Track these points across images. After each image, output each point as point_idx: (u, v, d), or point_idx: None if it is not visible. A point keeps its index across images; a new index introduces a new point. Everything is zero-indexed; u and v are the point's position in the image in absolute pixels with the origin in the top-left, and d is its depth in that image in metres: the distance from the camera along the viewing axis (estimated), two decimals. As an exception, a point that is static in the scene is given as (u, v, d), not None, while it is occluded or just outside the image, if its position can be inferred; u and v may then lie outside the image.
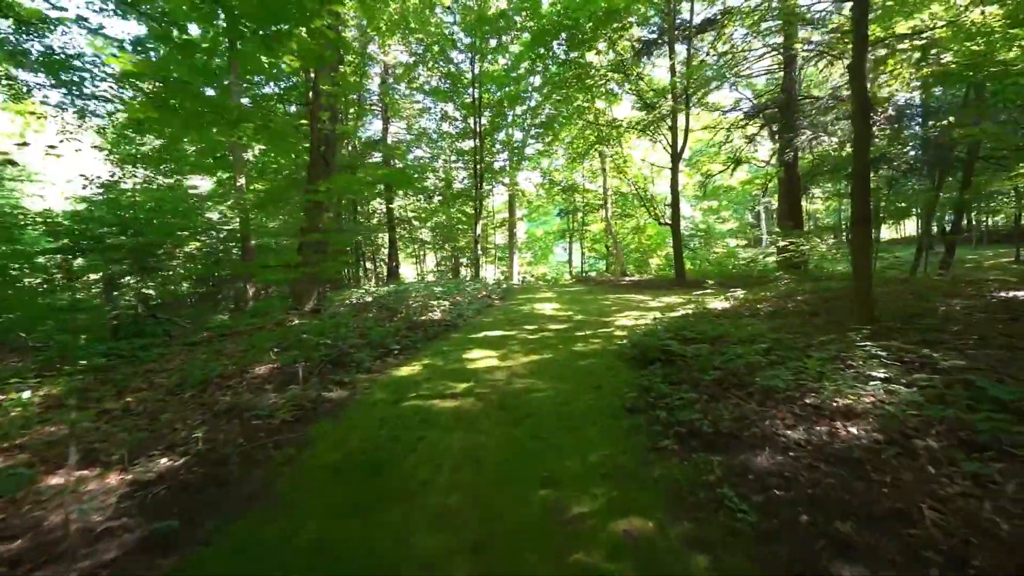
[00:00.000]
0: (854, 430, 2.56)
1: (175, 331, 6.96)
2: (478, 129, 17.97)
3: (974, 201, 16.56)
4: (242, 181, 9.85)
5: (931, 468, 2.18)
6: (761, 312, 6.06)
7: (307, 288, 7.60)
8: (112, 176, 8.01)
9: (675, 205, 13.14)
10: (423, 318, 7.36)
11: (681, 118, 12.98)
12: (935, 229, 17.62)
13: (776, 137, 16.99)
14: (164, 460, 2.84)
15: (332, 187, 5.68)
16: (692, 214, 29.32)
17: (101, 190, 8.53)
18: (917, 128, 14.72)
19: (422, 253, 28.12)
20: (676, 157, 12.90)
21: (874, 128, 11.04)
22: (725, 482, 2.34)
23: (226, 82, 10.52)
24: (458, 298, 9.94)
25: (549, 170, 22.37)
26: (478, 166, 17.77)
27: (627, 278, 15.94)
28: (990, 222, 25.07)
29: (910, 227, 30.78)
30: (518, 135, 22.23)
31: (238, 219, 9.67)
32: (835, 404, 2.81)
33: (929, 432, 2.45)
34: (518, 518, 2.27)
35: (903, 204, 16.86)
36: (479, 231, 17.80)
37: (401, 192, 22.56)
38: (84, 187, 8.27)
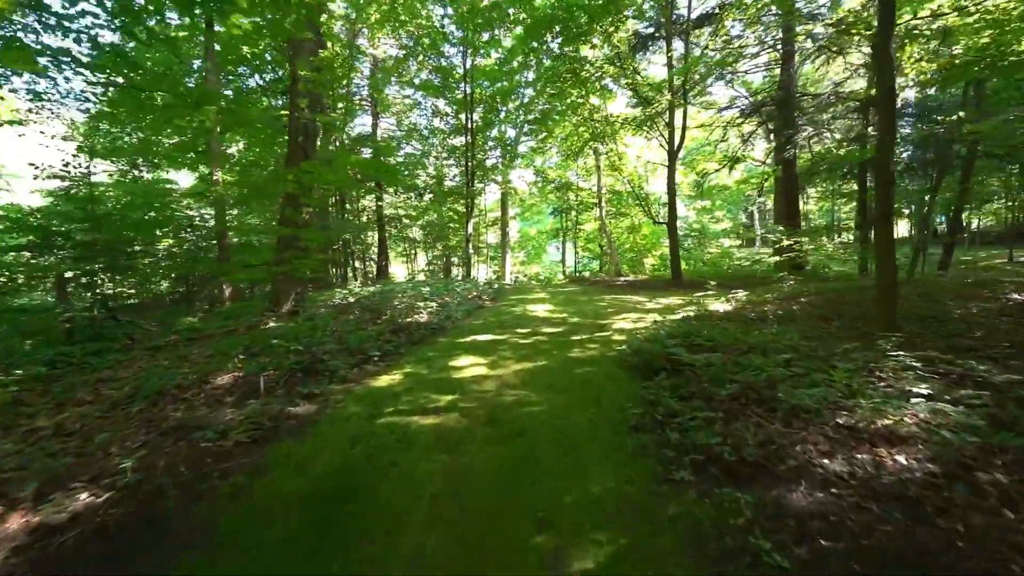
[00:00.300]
0: (903, 459, 2.18)
1: (138, 334, 6.45)
2: (469, 125, 17.52)
3: (971, 201, 16.50)
4: (219, 175, 9.32)
5: (1008, 512, 1.81)
6: (768, 316, 5.70)
7: (285, 288, 7.11)
8: (65, 166, 7.41)
9: (672, 204, 12.81)
10: (408, 320, 6.91)
11: (679, 115, 12.65)
12: (926, 230, 17.49)
13: (772, 136, 16.81)
14: (85, 495, 2.38)
15: (303, 176, 5.20)
16: (686, 214, 29.07)
17: (61, 182, 7.95)
18: (909, 128, 14.56)
19: (413, 252, 27.65)
20: (673, 154, 12.57)
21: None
22: (756, 526, 1.94)
23: (205, 73, 10.00)
24: (447, 299, 9.49)
25: (543, 168, 22.00)
26: (469, 163, 17.32)
27: (622, 278, 15.60)
28: (981, 223, 25.14)
29: (901, 228, 30.85)
30: (511, 132, 21.86)
31: (215, 215, 9.14)
32: (874, 426, 2.43)
33: (993, 463, 2.08)
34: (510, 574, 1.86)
35: (896, 204, 16.66)
36: (470, 230, 17.35)
37: (392, 189, 22.07)
38: (35, 177, 7.69)
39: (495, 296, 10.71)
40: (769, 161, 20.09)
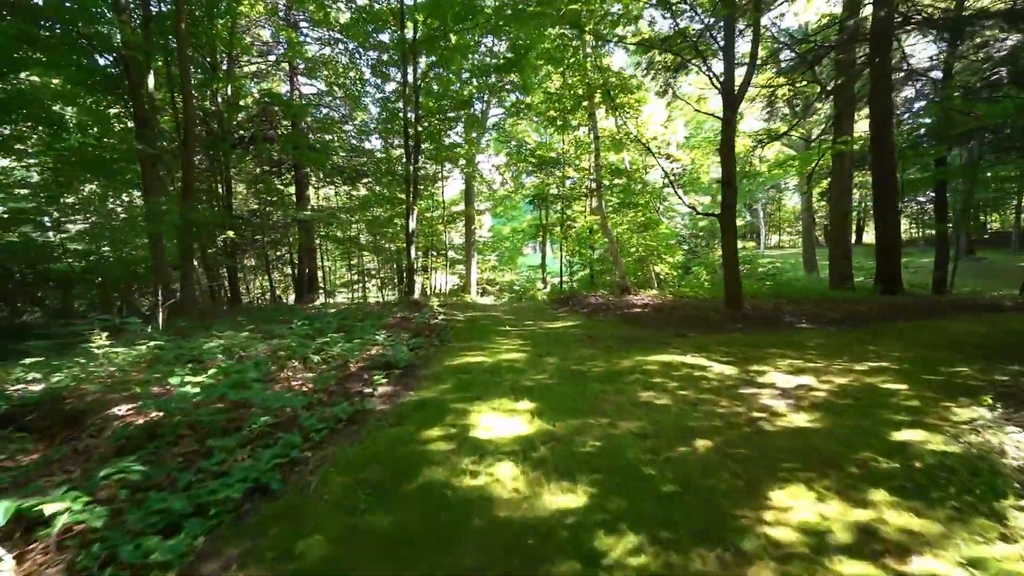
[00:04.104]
0: None
1: None
2: (411, 79, 12.04)
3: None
4: None
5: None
6: None
7: None
8: None
9: (729, 181, 7.71)
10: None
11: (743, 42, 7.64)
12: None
13: (840, 93, 11.89)
14: None
15: None
16: (687, 209, 24.49)
17: None
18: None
19: (360, 257, 21.78)
20: (733, 100, 7.49)
21: None
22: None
23: None
24: (288, 380, 4.07)
25: (520, 138, 16.70)
26: (409, 131, 11.85)
27: (635, 298, 10.49)
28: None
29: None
30: (478, 106, 16.57)
31: None
32: None
33: None
34: None
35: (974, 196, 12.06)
36: (413, 224, 11.88)
37: (309, 167, 16.35)
38: None
39: (413, 364, 5.17)
40: (806, 135, 15.30)
